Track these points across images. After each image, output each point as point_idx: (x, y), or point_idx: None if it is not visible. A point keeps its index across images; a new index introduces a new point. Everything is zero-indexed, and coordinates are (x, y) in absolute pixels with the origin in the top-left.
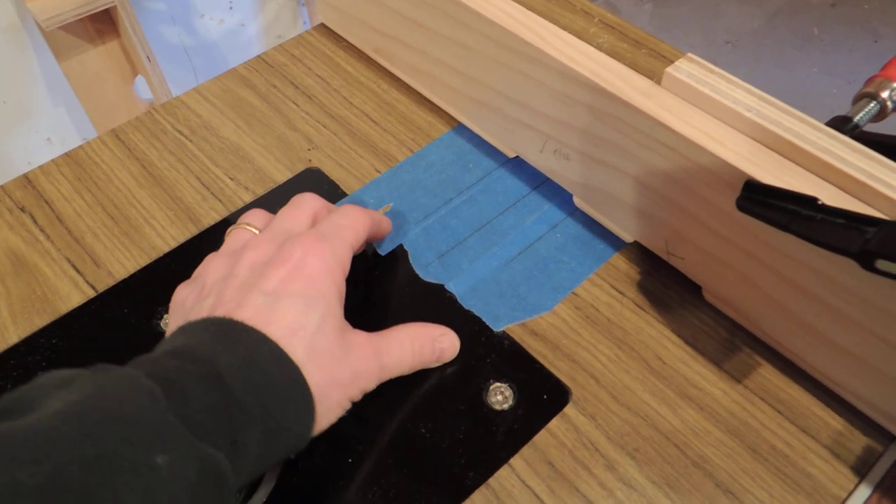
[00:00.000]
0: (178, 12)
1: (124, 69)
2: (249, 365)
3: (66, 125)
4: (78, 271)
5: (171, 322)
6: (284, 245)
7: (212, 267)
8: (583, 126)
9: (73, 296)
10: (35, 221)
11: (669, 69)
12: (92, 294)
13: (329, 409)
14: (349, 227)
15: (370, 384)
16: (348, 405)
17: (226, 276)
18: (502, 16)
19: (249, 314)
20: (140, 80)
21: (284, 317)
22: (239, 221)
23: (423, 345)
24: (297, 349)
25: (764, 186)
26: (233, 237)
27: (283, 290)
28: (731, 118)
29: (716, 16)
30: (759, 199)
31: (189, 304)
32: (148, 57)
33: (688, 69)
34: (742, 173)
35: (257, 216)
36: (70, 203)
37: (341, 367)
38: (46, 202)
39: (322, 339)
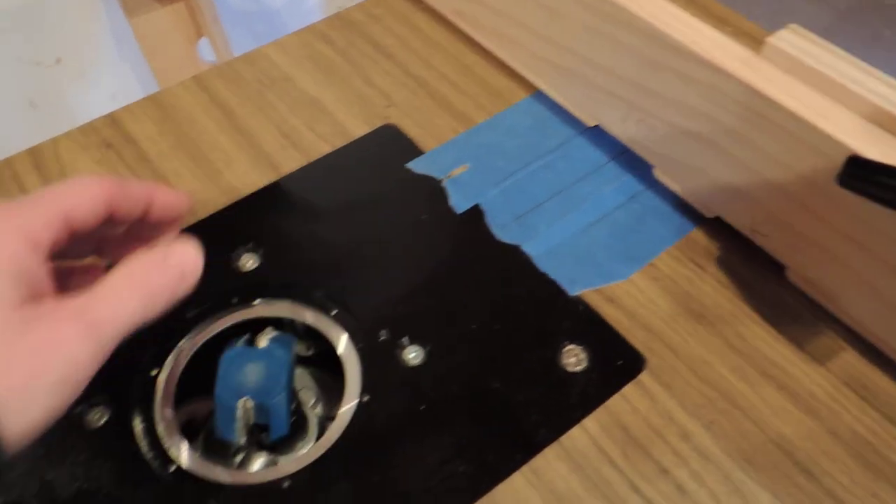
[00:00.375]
0: None
1: (189, 30)
2: None
3: (130, 82)
4: None
5: None
6: None
7: None
8: (672, 95)
9: None
10: (122, 159)
11: (770, 38)
12: None
13: (25, 405)
14: (63, 193)
15: (77, 355)
16: (62, 392)
17: None
18: None
19: None
20: (204, 41)
21: None
22: None
23: (149, 273)
24: None
25: (868, 162)
26: None
27: None
28: (836, 91)
29: (786, 12)
30: (862, 175)
31: None
32: (214, 19)
33: (791, 39)
34: (846, 148)
35: None
36: (154, 144)
37: (11, 350)
38: (132, 141)
39: None
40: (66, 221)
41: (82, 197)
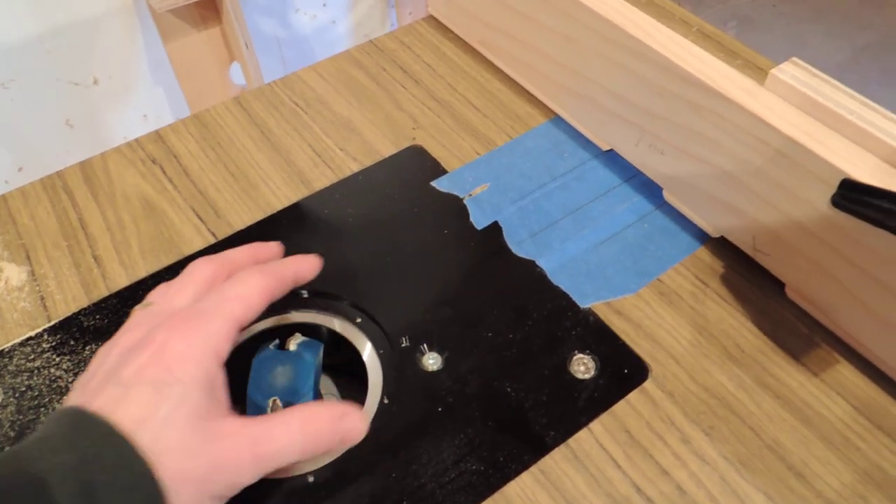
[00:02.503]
0: (276, 5)
1: (222, 55)
2: (90, 463)
3: (162, 104)
4: (201, 219)
5: None
6: (152, 329)
7: (97, 353)
8: (681, 122)
9: (195, 240)
10: (164, 172)
11: (774, 70)
12: (212, 240)
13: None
14: (236, 299)
15: (241, 478)
16: (211, 503)
17: (100, 364)
18: (610, 11)
19: (100, 404)
20: (235, 66)
21: (131, 407)
22: (145, 299)
23: (319, 428)
24: (141, 440)
25: (860, 185)
26: (132, 317)
27: (137, 377)
28: (833, 120)
29: (801, 46)
30: (854, 197)
31: (75, 392)
32: (246, 44)
33: (792, 72)
34: (840, 171)
35: (159, 293)
36: (196, 159)
37: (196, 460)
38: (175, 156)
39: (172, 429)
40: (239, 329)
41: (257, 300)
